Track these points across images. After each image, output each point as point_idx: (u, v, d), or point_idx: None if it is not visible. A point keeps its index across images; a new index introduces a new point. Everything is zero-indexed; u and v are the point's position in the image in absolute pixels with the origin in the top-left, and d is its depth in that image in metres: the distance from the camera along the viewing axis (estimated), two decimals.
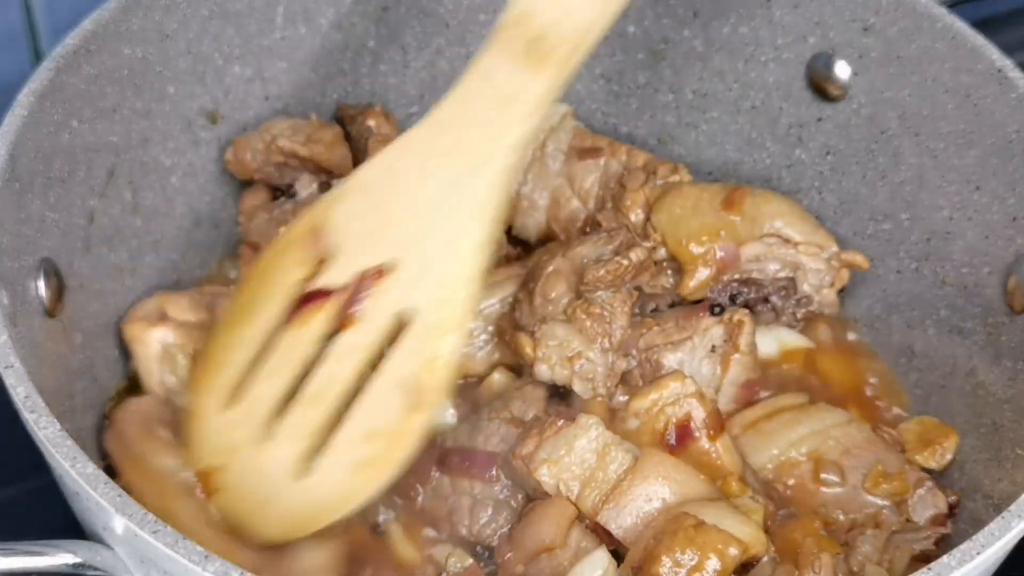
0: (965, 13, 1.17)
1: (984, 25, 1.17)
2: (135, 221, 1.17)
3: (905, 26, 1.18)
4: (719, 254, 1.16)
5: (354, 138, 1.27)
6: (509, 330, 1.12)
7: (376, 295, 0.98)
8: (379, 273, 0.98)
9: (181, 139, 1.20)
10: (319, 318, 0.99)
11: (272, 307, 1.01)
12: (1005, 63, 1.12)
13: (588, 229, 1.23)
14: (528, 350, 1.08)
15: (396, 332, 0.98)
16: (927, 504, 1.06)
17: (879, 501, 1.06)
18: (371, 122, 1.26)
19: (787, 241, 1.18)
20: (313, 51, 1.27)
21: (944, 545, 1.05)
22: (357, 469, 0.96)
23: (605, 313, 1.09)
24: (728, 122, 1.33)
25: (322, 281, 1.00)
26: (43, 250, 1.02)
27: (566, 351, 1.08)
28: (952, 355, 1.18)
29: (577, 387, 1.08)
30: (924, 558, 1.03)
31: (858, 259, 1.21)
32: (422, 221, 0.98)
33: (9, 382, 0.87)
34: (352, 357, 0.98)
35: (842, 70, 1.24)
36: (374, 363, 0.98)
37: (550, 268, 1.13)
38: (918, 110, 1.19)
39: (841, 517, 1.05)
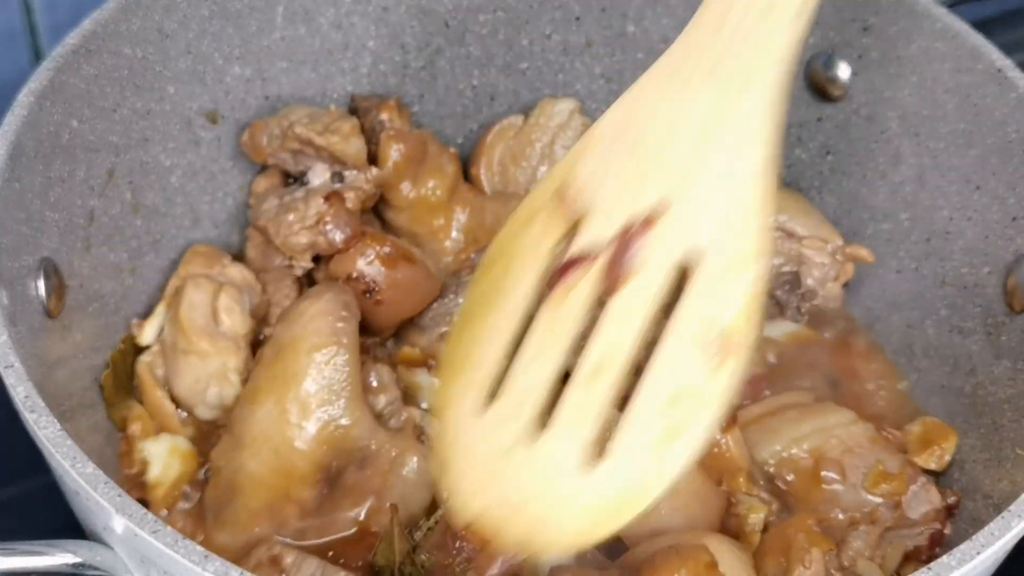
0: (965, 13, 1.17)
1: (984, 25, 1.17)
2: (135, 221, 1.17)
3: (905, 26, 1.18)
4: None
5: (367, 131, 1.26)
6: None
7: (649, 244, 0.85)
8: (648, 221, 0.85)
9: (181, 139, 1.20)
10: (585, 284, 0.86)
11: (524, 286, 0.89)
12: (1005, 63, 1.12)
13: None
14: None
15: (679, 282, 0.84)
16: (921, 500, 1.06)
17: (877, 500, 1.06)
18: (384, 115, 1.25)
19: (791, 235, 1.18)
20: (313, 51, 1.27)
21: (944, 545, 1.05)
22: (662, 441, 0.81)
23: None
24: None
25: (581, 243, 0.87)
26: (43, 250, 1.02)
27: None
28: (952, 355, 1.18)
29: None
30: (918, 554, 1.03)
31: (862, 253, 1.21)
32: (688, 155, 0.85)
33: (9, 382, 0.87)
34: (632, 319, 0.84)
35: (842, 70, 1.24)
36: (659, 321, 0.84)
37: None
38: (918, 110, 1.19)
39: (840, 516, 1.05)
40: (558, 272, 0.88)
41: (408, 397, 1.13)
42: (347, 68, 1.30)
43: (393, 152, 1.22)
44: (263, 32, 1.23)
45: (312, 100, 1.29)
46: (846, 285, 1.23)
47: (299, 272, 1.19)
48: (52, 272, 1.02)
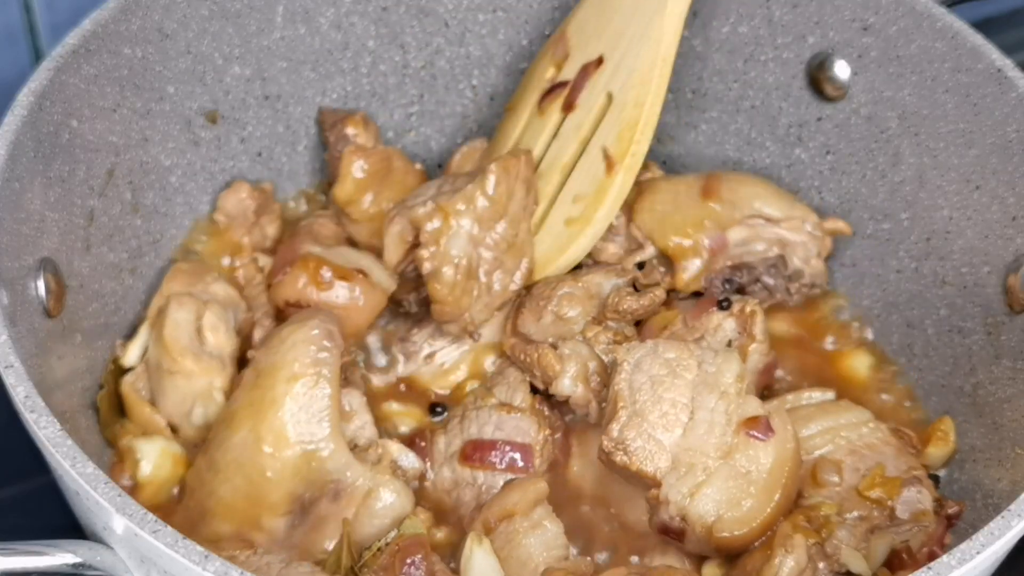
0: (965, 13, 1.17)
1: (984, 25, 1.17)
2: (135, 221, 1.17)
3: (905, 26, 1.18)
4: (706, 243, 1.19)
5: (331, 145, 1.27)
6: (521, 344, 1.14)
7: (591, 83, 1.19)
8: (596, 64, 1.20)
9: (181, 139, 1.20)
10: (554, 106, 1.22)
11: (530, 103, 1.25)
12: (1005, 63, 1.12)
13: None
14: (555, 364, 1.10)
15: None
16: (912, 502, 1.05)
17: (869, 502, 1.05)
18: (349, 130, 1.26)
19: (769, 220, 1.20)
20: (313, 51, 1.27)
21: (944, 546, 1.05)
22: (568, 224, 1.17)
23: (621, 343, 1.11)
24: (728, 122, 1.33)
25: (560, 76, 1.23)
26: (43, 250, 1.02)
27: (589, 372, 1.10)
28: (952, 355, 1.18)
29: (592, 408, 1.10)
30: (916, 562, 1.02)
31: (840, 225, 1.24)
32: (625, 18, 1.18)
33: (9, 382, 0.87)
34: (572, 137, 1.19)
35: (842, 70, 1.24)
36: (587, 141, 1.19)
37: (563, 290, 1.15)
38: (918, 110, 1.19)
39: (830, 512, 1.05)
40: (543, 95, 1.24)
41: (386, 429, 1.13)
42: (347, 68, 1.30)
43: (355, 168, 1.22)
44: (263, 32, 1.23)
45: (312, 100, 1.29)
46: (828, 258, 1.24)
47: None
48: (52, 272, 1.02)
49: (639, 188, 1.22)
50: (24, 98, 1.00)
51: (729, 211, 1.20)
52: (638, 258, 1.20)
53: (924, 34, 1.16)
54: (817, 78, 1.26)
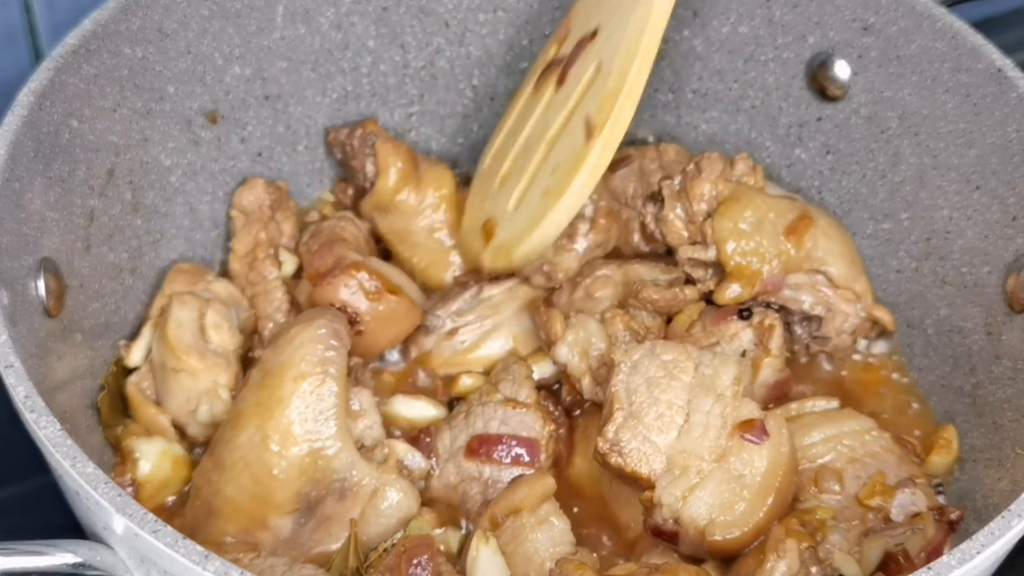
0: (965, 13, 1.17)
1: (984, 25, 1.17)
2: (135, 221, 1.17)
3: (905, 25, 1.18)
4: (765, 278, 1.15)
5: (349, 156, 1.27)
6: (542, 305, 1.16)
7: (584, 55, 1.17)
8: (591, 36, 1.18)
9: (181, 139, 1.20)
10: (549, 82, 1.21)
11: (530, 84, 1.26)
12: (1005, 63, 1.12)
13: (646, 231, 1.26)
14: (558, 328, 1.11)
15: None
16: (907, 504, 1.05)
17: (869, 510, 1.05)
18: (371, 129, 1.27)
19: (829, 281, 1.17)
20: (313, 51, 1.27)
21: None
22: (544, 196, 1.14)
23: (640, 331, 1.12)
24: (728, 122, 1.33)
25: (559, 53, 1.23)
26: (43, 250, 1.02)
27: (591, 347, 1.10)
28: (952, 355, 1.18)
29: (586, 384, 1.10)
30: (907, 555, 1.02)
31: (885, 318, 1.20)
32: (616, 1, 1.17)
33: (9, 382, 0.87)
34: (560, 109, 1.18)
35: (842, 70, 1.24)
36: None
37: (602, 271, 1.17)
38: (918, 110, 1.19)
39: (827, 518, 1.04)
40: (542, 72, 1.24)
41: (390, 429, 1.13)
42: (347, 68, 1.30)
43: (392, 159, 1.23)
44: (263, 32, 1.23)
45: (312, 100, 1.29)
46: (856, 340, 1.22)
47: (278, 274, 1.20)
48: (52, 272, 1.02)
49: (734, 189, 1.17)
50: (24, 98, 1.01)
51: (800, 258, 1.16)
52: (696, 254, 1.17)
53: (924, 34, 1.16)
54: (817, 78, 1.26)
